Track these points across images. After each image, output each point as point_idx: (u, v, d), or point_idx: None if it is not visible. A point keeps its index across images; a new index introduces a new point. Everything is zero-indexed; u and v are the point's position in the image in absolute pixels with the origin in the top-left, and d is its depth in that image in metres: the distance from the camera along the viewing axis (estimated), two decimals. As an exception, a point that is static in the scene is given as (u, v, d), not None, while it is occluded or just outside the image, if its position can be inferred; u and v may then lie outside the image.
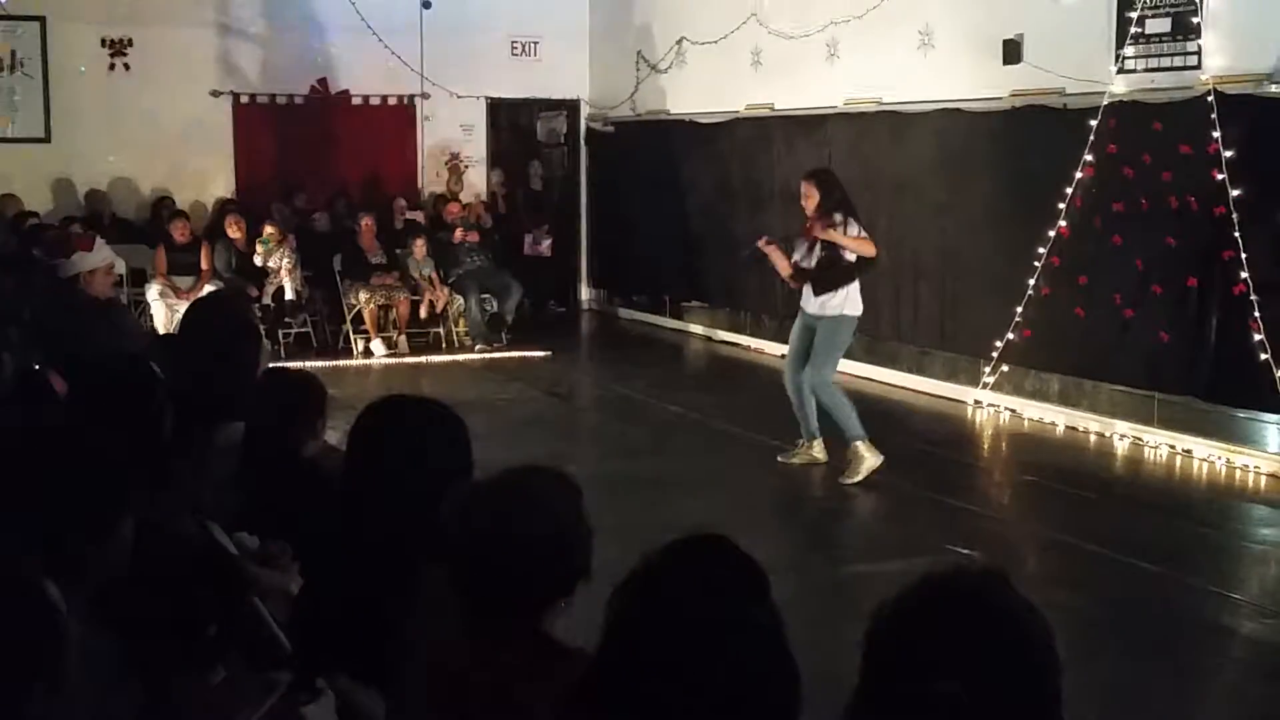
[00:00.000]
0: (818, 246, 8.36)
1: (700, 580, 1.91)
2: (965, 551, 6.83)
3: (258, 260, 12.87)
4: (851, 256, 8.30)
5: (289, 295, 12.93)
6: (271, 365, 5.24)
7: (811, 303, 8.45)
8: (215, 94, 14.39)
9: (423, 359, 12.94)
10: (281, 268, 12.86)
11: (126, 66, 13.91)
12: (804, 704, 1.89)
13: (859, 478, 8.16)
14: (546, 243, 15.63)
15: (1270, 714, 5.27)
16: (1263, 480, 8.55)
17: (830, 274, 8.33)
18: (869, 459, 8.19)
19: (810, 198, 8.38)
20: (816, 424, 8.52)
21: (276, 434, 4.17)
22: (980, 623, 1.68)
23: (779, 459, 8.62)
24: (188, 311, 5.69)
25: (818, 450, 8.56)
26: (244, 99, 14.52)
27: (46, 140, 13.77)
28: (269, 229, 12.90)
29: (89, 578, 2.57)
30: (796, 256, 8.50)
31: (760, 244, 8.67)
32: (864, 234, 8.42)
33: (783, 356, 12.84)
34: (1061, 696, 1.70)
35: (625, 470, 8.26)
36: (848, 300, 8.38)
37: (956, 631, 1.67)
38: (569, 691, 1.92)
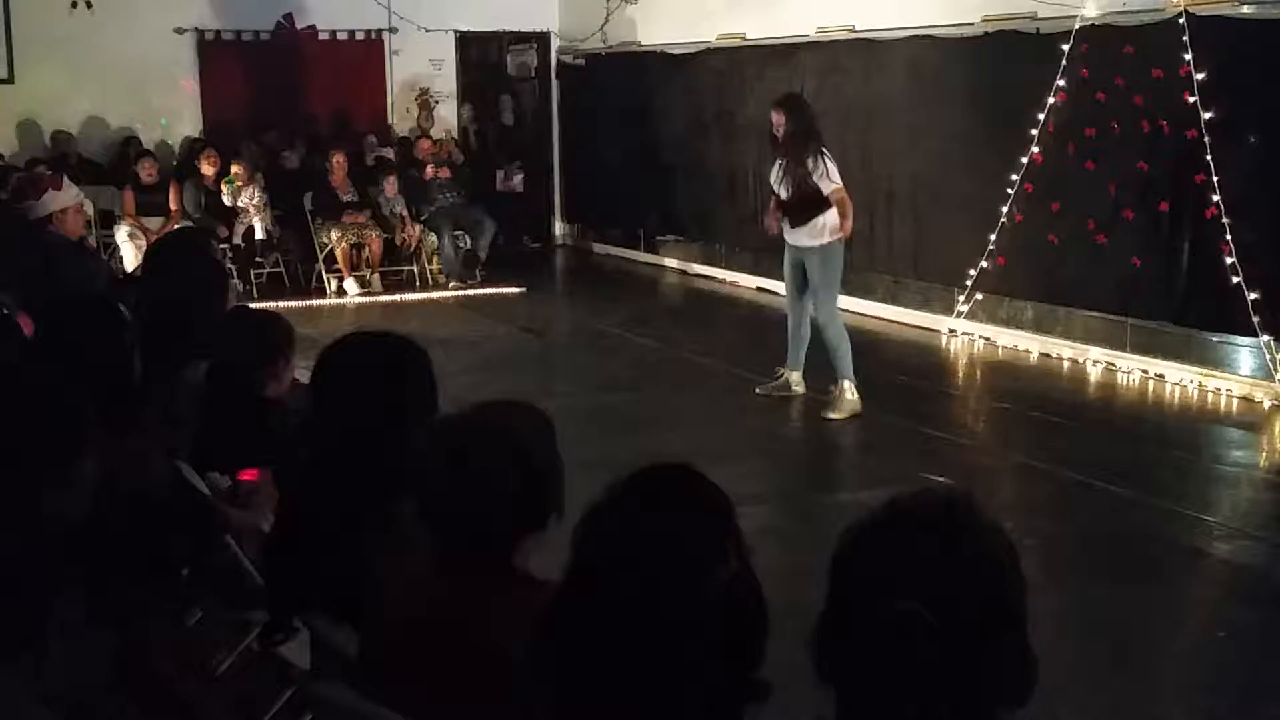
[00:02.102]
0: (790, 177, 8.25)
1: (664, 508, 1.90)
2: (941, 480, 6.86)
3: (226, 200, 12.75)
4: (827, 187, 8.17)
5: (259, 234, 12.84)
6: (236, 305, 5.20)
7: (794, 235, 8.38)
8: (179, 31, 14.18)
9: (396, 297, 12.89)
10: (251, 206, 12.76)
11: (89, 4, 13.68)
12: (774, 632, 1.89)
13: (841, 416, 8.17)
14: (518, 178, 15.56)
15: (1243, 634, 5.33)
16: (1235, 403, 8.61)
17: (807, 206, 8.24)
18: (850, 401, 8.19)
19: (779, 124, 8.29)
20: (803, 357, 8.51)
21: (237, 374, 4.15)
22: (942, 542, 1.68)
23: (757, 390, 8.62)
24: (150, 250, 5.64)
25: (795, 381, 8.57)
26: (209, 35, 14.32)
27: (9, 81, 13.56)
28: (235, 168, 12.78)
29: (46, 519, 2.55)
30: (780, 186, 8.39)
31: (770, 227, 8.58)
32: (835, 179, 8.15)
33: (759, 289, 12.93)
34: (1026, 616, 1.70)
35: (602, 404, 8.26)
36: (828, 226, 8.25)
37: (918, 551, 1.67)
38: (535, 623, 1.92)
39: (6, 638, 2.15)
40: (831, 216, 8.22)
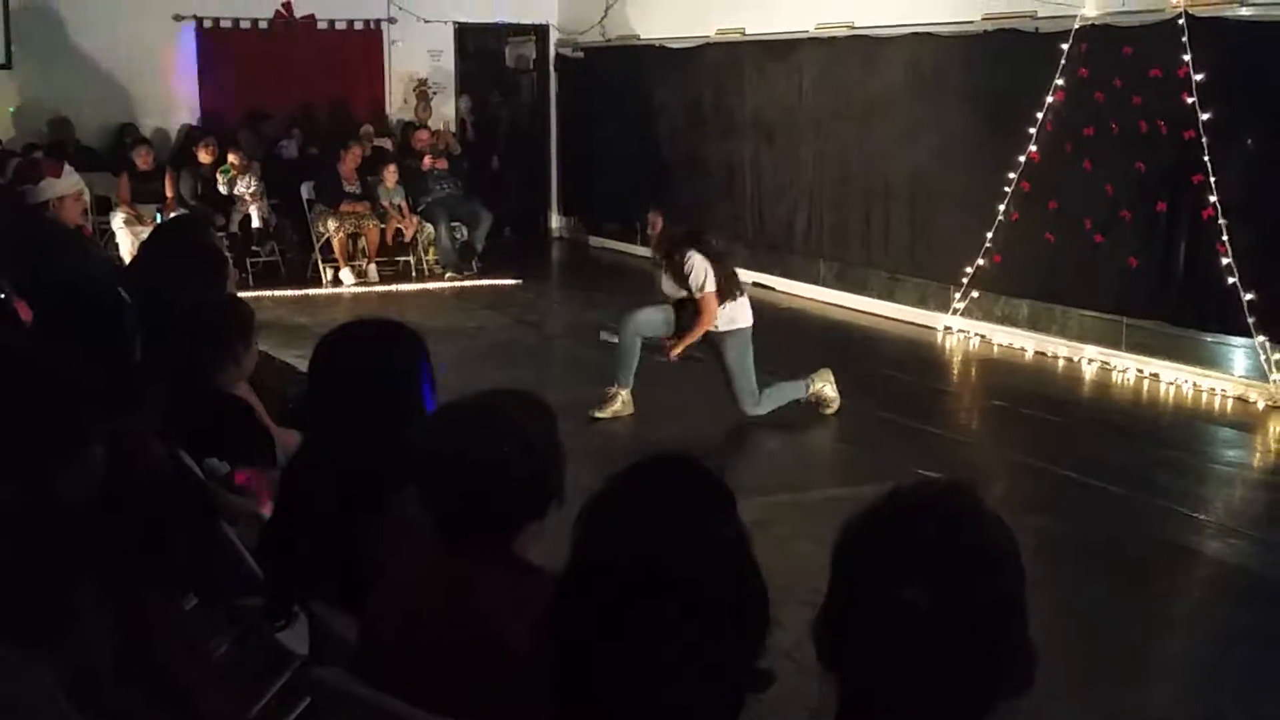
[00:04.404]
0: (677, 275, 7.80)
1: (665, 497, 1.90)
2: (936, 476, 6.87)
3: (222, 188, 12.74)
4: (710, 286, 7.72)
5: (255, 223, 12.83)
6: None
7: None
8: (178, 18, 14.16)
9: (392, 288, 12.88)
10: (247, 195, 12.74)
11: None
12: (773, 622, 1.89)
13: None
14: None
15: (1234, 632, 5.35)
16: (1229, 403, 8.63)
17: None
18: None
19: (655, 227, 8.02)
20: (631, 374, 8.10)
21: (194, 361, 4.17)
22: (944, 532, 1.69)
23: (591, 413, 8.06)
24: (150, 236, 5.64)
25: (623, 400, 8.13)
26: (207, 23, 14.29)
27: (7, 66, 13.54)
28: (231, 157, 12.76)
29: (60, 503, 2.55)
30: (666, 286, 7.96)
31: (672, 357, 8.05)
32: (702, 282, 7.67)
33: (755, 284, 12.91)
34: (1026, 607, 1.71)
35: (599, 397, 8.23)
36: (733, 319, 7.84)
37: (921, 541, 1.68)
38: (539, 613, 1.92)
39: (31, 624, 2.15)
40: (735, 305, 7.85)
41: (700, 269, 7.72)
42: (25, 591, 2.17)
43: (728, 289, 7.83)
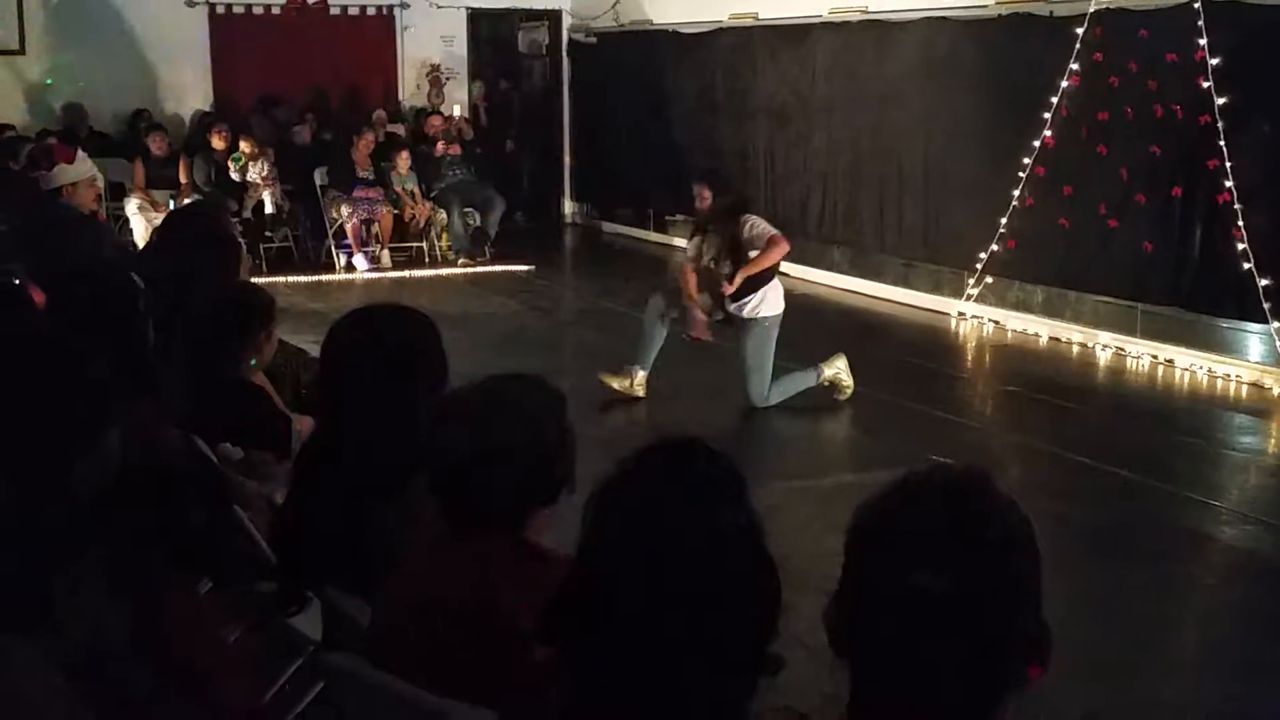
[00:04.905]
0: (722, 248, 7.78)
1: (677, 482, 1.90)
2: (949, 461, 6.86)
3: (234, 175, 12.75)
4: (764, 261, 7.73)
5: (269, 209, 12.85)
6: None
7: (728, 303, 7.90)
8: (191, 4, 14.17)
9: (405, 273, 12.90)
10: (260, 180, 12.75)
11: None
12: (785, 608, 1.89)
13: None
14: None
15: (1249, 618, 5.34)
16: (1244, 389, 8.60)
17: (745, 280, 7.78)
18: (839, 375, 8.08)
19: (704, 199, 7.98)
20: (652, 357, 8.13)
21: (216, 348, 4.18)
22: (959, 517, 1.68)
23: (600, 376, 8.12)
24: (164, 222, 5.65)
25: (638, 382, 8.13)
26: (220, 9, 14.30)
27: (21, 52, 13.57)
28: (243, 144, 12.76)
29: (78, 490, 2.55)
30: (705, 257, 7.87)
31: (693, 336, 8.05)
32: (770, 232, 7.73)
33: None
34: (1041, 593, 1.71)
35: (615, 366, 8.23)
36: (764, 301, 7.84)
37: (934, 526, 1.67)
38: (549, 598, 1.92)
39: (23, 610, 2.15)
40: (771, 289, 7.84)
41: (763, 225, 7.79)
42: (20, 579, 2.17)
43: (773, 268, 7.84)
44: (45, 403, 2.59)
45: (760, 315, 7.84)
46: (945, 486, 1.73)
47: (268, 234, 12.93)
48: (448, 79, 15.48)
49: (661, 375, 8.17)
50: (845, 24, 11.75)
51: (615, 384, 8.07)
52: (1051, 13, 9.80)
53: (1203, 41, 8.60)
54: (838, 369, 8.12)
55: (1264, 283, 8.42)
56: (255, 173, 12.75)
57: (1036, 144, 9.84)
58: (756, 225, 7.79)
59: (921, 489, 1.72)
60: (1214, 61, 8.56)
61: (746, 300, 7.83)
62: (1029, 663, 1.67)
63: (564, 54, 16.28)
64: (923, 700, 1.65)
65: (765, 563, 1.88)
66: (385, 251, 13.17)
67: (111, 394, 2.67)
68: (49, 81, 13.59)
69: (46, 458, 2.52)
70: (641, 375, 8.11)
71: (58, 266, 4.93)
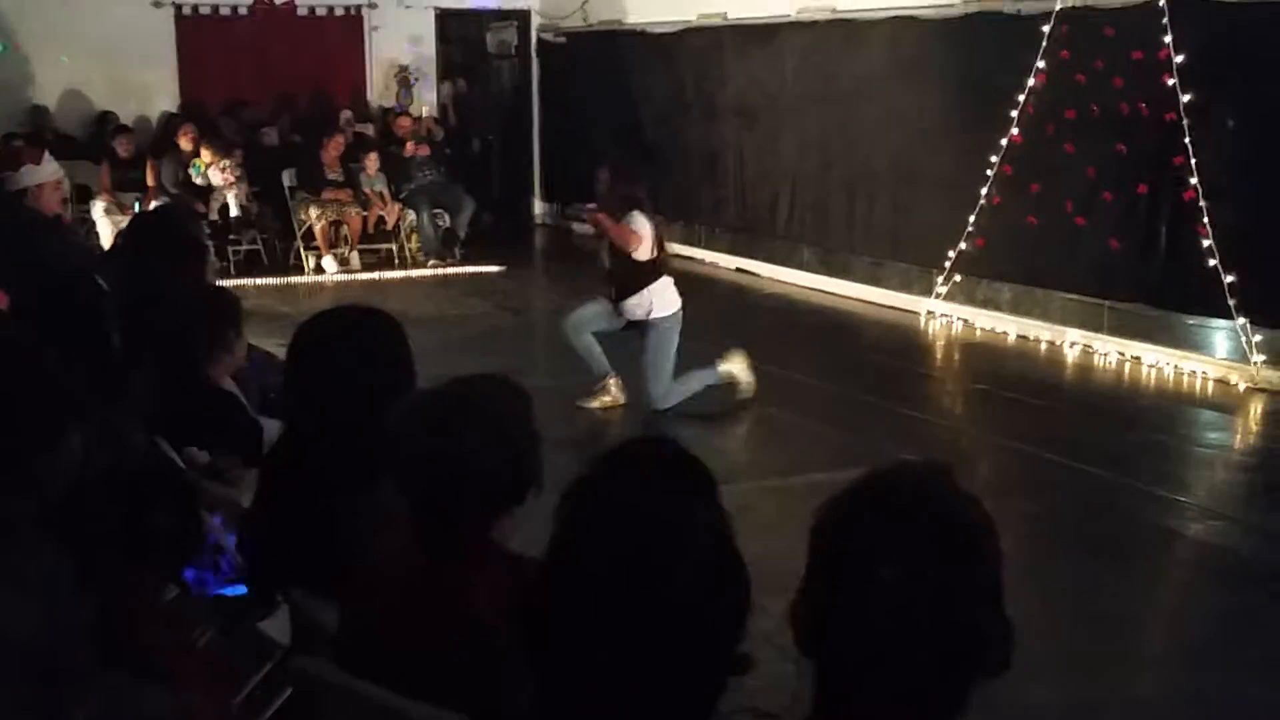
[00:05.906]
0: (605, 241, 7.81)
1: (646, 481, 1.90)
2: (911, 458, 6.88)
3: (197, 180, 12.66)
4: (641, 255, 7.67)
5: (234, 211, 12.74)
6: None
7: (620, 308, 7.86)
8: (157, 5, 14.08)
9: (375, 275, 12.85)
10: (224, 180, 12.64)
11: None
12: (754, 606, 1.89)
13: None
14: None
15: (1215, 613, 5.37)
16: (1210, 385, 8.66)
17: (628, 276, 7.75)
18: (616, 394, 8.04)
19: (602, 182, 8.01)
20: (605, 361, 8.04)
21: (185, 351, 4.16)
22: (920, 511, 1.70)
23: (577, 404, 8.03)
24: (130, 225, 5.61)
25: (615, 389, 8.08)
26: (186, 11, 14.22)
27: (-15, 55, 13.47)
28: (204, 151, 12.61)
29: (40, 489, 2.53)
30: (605, 259, 7.91)
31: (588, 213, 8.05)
32: (642, 226, 7.65)
33: (738, 270, 12.92)
34: (1001, 586, 1.72)
35: (582, 383, 8.22)
36: (656, 303, 7.75)
37: (895, 521, 1.69)
38: (519, 598, 1.92)
39: None
40: (658, 289, 7.78)
41: (640, 221, 7.68)
42: None
43: (660, 264, 7.78)
44: (10, 400, 2.58)
45: (655, 317, 7.77)
46: (906, 482, 1.74)
47: (233, 236, 12.82)
48: (416, 80, 15.43)
49: (635, 379, 8.16)
50: (813, 24, 11.78)
51: (596, 404, 8.02)
52: (1018, 11, 9.84)
53: (1168, 39, 8.65)
54: (735, 365, 8.08)
55: (1229, 279, 8.48)
56: (218, 176, 12.65)
57: (1004, 142, 9.89)
58: (634, 221, 7.71)
59: (882, 485, 1.74)
60: (1179, 59, 8.61)
61: (636, 303, 7.77)
62: (992, 656, 1.68)
63: (533, 54, 16.26)
64: (886, 695, 1.66)
65: (734, 562, 1.88)
66: (354, 253, 13.13)
67: (73, 394, 2.65)
68: (63, 59, 13.48)
69: (3, 453, 2.50)
70: (611, 380, 8.07)
71: (21, 269, 4.90)
